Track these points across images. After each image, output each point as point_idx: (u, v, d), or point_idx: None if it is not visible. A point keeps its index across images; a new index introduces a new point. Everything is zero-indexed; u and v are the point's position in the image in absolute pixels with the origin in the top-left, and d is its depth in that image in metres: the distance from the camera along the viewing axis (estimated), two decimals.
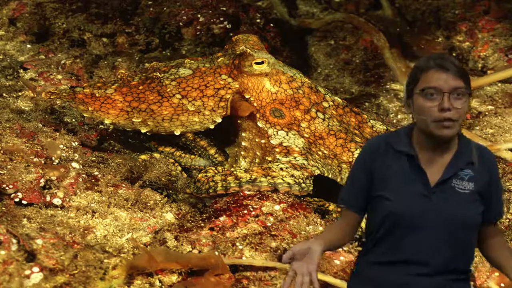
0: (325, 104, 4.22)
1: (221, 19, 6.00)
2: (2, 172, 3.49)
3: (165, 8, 6.10)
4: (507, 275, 2.27)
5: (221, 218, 3.48)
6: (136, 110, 3.97)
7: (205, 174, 3.87)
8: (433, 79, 2.17)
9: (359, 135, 4.19)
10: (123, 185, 3.75)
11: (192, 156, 4.22)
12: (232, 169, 3.91)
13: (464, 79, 2.18)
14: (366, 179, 2.29)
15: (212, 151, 4.18)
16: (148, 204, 3.67)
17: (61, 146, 3.89)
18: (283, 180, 3.72)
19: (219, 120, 3.97)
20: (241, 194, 3.67)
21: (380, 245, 2.28)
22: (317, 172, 3.86)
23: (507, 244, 2.35)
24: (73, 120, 4.53)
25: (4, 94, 4.74)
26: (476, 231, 2.27)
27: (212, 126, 3.97)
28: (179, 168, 4.12)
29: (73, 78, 5.15)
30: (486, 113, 4.98)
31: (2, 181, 3.45)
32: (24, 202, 3.46)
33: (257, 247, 3.28)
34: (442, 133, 2.17)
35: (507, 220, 3.81)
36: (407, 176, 2.24)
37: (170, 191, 3.91)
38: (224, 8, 6.08)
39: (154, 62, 4.45)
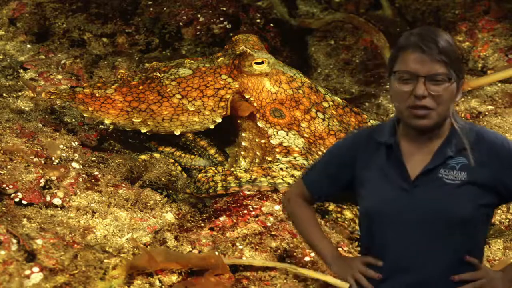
0: (325, 104, 4.22)
1: (221, 19, 6.00)
2: (2, 172, 3.49)
3: (165, 8, 6.09)
4: None
5: (221, 218, 3.48)
6: (136, 110, 3.97)
7: (205, 174, 3.87)
8: (409, 60, 1.89)
9: None
10: (123, 185, 3.75)
11: (192, 156, 4.22)
12: (232, 169, 3.92)
13: (448, 62, 1.88)
14: (338, 172, 2.08)
15: (212, 151, 4.18)
16: (148, 204, 3.67)
17: (61, 146, 3.89)
18: (283, 180, 3.72)
19: (219, 120, 3.97)
20: (241, 194, 3.67)
21: (367, 248, 2.05)
22: None
23: None
24: (73, 120, 4.53)
25: (4, 94, 4.74)
26: (477, 228, 1.96)
27: (212, 126, 3.97)
28: (179, 168, 4.12)
29: (73, 78, 5.15)
30: (486, 113, 4.98)
31: (2, 181, 3.45)
32: (24, 202, 3.46)
33: (257, 247, 3.28)
34: (416, 123, 1.90)
35: (507, 220, 3.81)
36: (385, 169, 1.98)
37: (170, 191, 3.91)
38: (224, 8, 6.08)
39: (154, 62, 4.45)
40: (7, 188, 3.45)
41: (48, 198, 3.52)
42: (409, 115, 1.91)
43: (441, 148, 1.95)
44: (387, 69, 2.01)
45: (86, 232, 3.33)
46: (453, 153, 1.94)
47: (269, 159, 3.96)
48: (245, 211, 3.51)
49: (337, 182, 2.12)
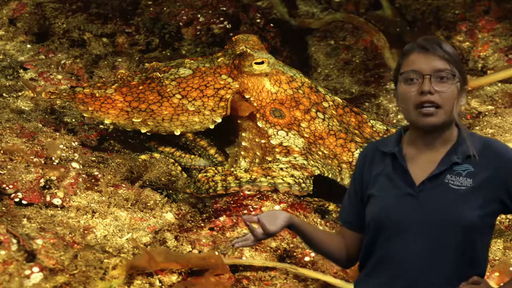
0: (325, 104, 4.22)
1: (221, 19, 5.99)
2: (2, 172, 3.49)
3: (165, 8, 6.09)
4: None
5: (221, 218, 3.48)
6: (136, 110, 3.97)
7: (205, 174, 3.87)
8: (414, 61, 1.96)
9: (359, 135, 4.19)
10: (123, 185, 3.75)
11: (192, 156, 4.22)
12: (232, 169, 3.92)
13: (450, 61, 1.95)
14: (360, 191, 2.10)
15: (212, 151, 4.18)
16: (148, 204, 3.67)
17: (61, 146, 3.89)
18: (283, 180, 3.72)
19: (219, 120, 3.97)
20: (241, 194, 3.67)
21: (369, 257, 2.07)
22: (317, 172, 3.86)
23: None
24: (73, 120, 4.52)
25: (4, 94, 4.74)
26: (480, 236, 1.97)
27: (212, 126, 3.98)
28: (179, 168, 4.12)
29: (73, 78, 5.15)
30: (486, 113, 4.98)
31: (2, 181, 3.45)
32: (24, 202, 3.46)
33: (257, 247, 3.28)
34: (424, 122, 1.94)
35: (507, 220, 3.81)
36: (391, 177, 2.02)
37: (170, 191, 3.91)
38: (224, 8, 6.07)
39: (154, 62, 4.45)
40: (7, 188, 3.45)
41: (48, 198, 3.52)
42: (417, 114, 1.95)
43: (447, 154, 1.99)
44: (394, 78, 2.06)
45: (86, 232, 3.33)
46: (460, 160, 1.97)
47: (269, 159, 3.96)
48: (245, 211, 3.51)
49: (362, 203, 2.13)
